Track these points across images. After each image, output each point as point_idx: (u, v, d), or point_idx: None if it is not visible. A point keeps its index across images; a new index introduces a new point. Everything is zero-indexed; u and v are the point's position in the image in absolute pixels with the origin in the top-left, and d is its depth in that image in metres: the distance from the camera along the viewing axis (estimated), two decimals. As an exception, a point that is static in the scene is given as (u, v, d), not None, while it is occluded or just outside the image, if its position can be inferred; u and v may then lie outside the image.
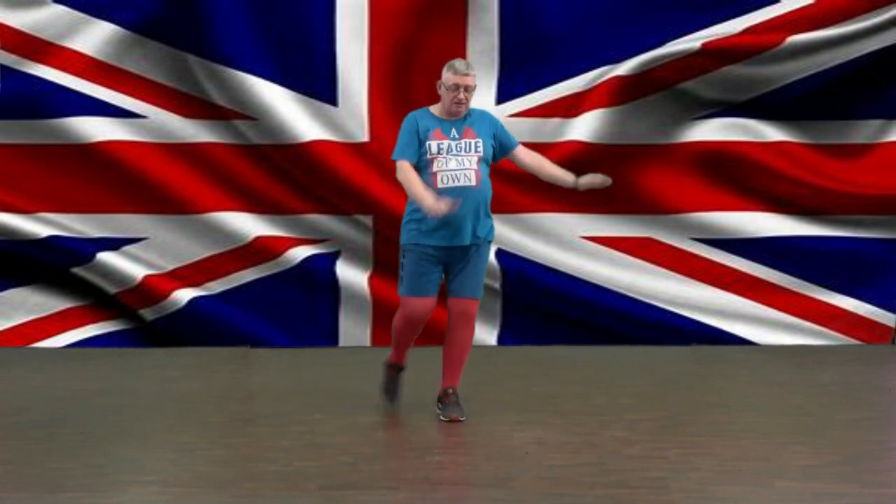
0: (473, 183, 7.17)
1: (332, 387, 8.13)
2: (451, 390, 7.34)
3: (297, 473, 5.94)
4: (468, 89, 7.18)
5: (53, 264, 9.56)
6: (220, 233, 9.60)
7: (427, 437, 6.68)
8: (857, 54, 9.50)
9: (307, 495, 5.60)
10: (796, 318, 9.66)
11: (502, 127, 7.40)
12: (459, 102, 7.18)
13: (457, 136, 7.21)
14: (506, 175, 9.60)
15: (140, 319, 9.61)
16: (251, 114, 9.52)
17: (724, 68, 9.49)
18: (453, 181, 7.14)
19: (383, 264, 9.60)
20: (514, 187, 9.50)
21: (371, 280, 9.63)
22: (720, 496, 5.59)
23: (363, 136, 9.59)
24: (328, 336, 9.64)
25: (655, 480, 5.79)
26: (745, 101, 9.59)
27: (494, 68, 9.56)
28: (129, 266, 9.56)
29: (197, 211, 9.59)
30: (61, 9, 9.44)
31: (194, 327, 9.59)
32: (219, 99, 9.52)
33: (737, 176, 9.65)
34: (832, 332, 9.66)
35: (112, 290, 9.57)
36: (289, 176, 9.59)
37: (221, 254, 9.61)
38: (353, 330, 9.66)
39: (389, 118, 9.58)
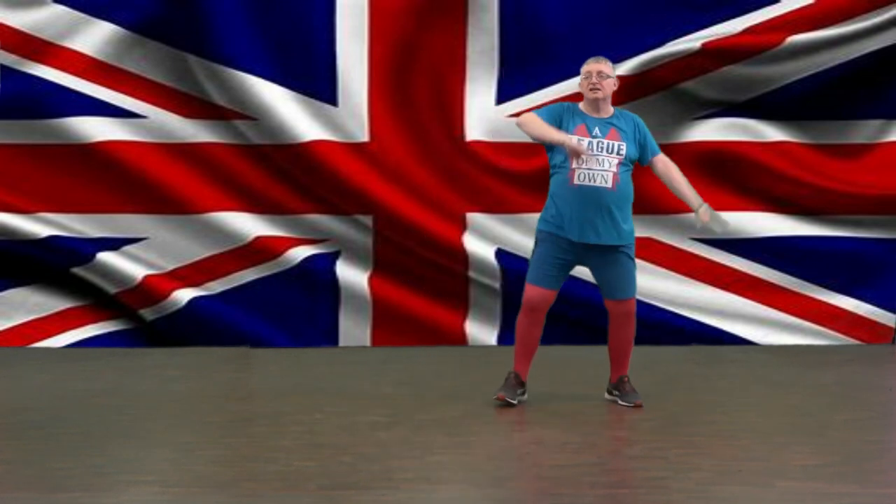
0: (609, 185, 7.19)
1: (332, 387, 8.13)
2: (625, 378, 7.56)
3: (297, 473, 5.94)
4: (601, 74, 7.25)
5: (53, 264, 9.56)
6: (220, 233, 9.60)
7: (427, 437, 6.68)
8: (857, 54, 9.50)
9: (307, 495, 5.59)
10: (796, 318, 9.66)
11: (647, 132, 7.40)
12: (594, 88, 7.25)
13: (599, 135, 7.24)
14: (506, 175, 9.62)
15: (140, 319, 9.61)
16: (251, 114, 9.52)
17: (724, 68, 9.49)
18: (590, 180, 7.19)
19: (383, 264, 9.61)
20: (514, 187, 9.51)
21: (371, 280, 9.62)
22: (720, 496, 5.58)
23: (363, 136, 9.59)
24: (328, 336, 9.64)
25: (655, 480, 5.79)
26: (745, 101, 9.60)
27: (494, 68, 9.56)
28: (129, 266, 9.56)
29: (197, 211, 9.59)
30: (61, 9, 9.44)
31: (194, 327, 9.59)
32: (219, 99, 9.52)
33: (737, 176, 9.65)
34: (832, 332, 9.66)
35: (112, 290, 9.57)
36: (289, 176, 9.59)
37: (221, 254, 9.61)
38: (353, 330, 9.65)
39: (389, 118, 9.59)
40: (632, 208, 7.36)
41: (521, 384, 7.47)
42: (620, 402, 7.52)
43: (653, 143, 7.43)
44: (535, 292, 7.36)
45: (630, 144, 7.28)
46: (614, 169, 7.21)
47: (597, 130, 7.25)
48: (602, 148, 7.22)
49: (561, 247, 7.30)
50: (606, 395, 7.69)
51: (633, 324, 7.48)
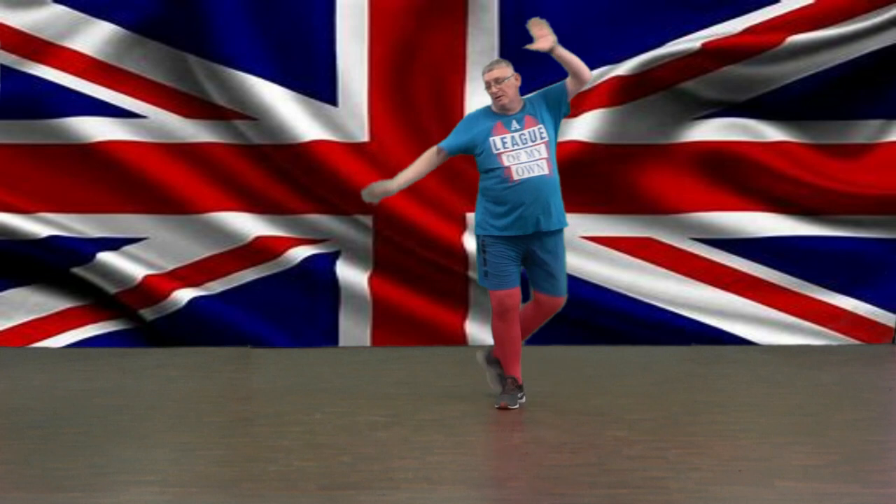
0: (546, 172, 7.32)
1: (332, 387, 8.13)
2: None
3: (297, 473, 5.94)
4: (499, 81, 7.38)
5: (53, 264, 9.56)
6: (220, 233, 9.60)
7: (427, 437, 6.68)
8: (857, 54, 9.50)
9: (307, 495, 5.60)
10: (796, 318, 9.66)
11: (547, 91, 7.49)
12: (496, 96, 7.40)
13: (518, 128, 7.34)
14: (506, 175, 9.61)
15: (140, 319, 9.61)
16: (251, 114, 9.52)
17: (724, 68, 9.49)
18: (528, 172, 7.29)
19: (383, 264, 9.61)
20: (514, 187, 9.50)
21: (371, 280, 9.63)
22: (720, 496, 5.59)
23: (363, 136, 9.60)
24: (328, 336, 9.64)
25: (655, 480, 5.79)
26: (745, 101, 9.59)
27: (494, 68, 9.55)
28: (129, 266, 9.56)
29: (197, 211, 9.59)
30: (61, 9, 9.44)
31: (194, 327, 9.59)
32: (219, 99, 9.52)
33: (737, 176, 9.65)
34: (832, 332, 9.65)
35: (112, 290, 9.57)
36: (289, 176, 9.59)
37: (221, 254, 9.61)
38: (353, 330, 9.65)
39: (389, 118, 9.59)
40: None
41: (520, 388, 7.47)
42: (492, 385, 7.63)
43: (553, 87, 7.48)
44: (503, 294, 7.38)
45: (548, 123, 7.38)
46: (545, 155, 7.33)
47: (515, 124, 7.37)
48: (525, 138, 7.32)
49: (510, 244, 7.36)
50: (478, 357, 7.74)
51: (547, 319, 7.64)
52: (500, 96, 7.37)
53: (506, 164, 7.30)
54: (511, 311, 7.38)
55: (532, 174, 7.27)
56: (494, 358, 7.64)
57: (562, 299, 7.53)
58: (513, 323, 7.40)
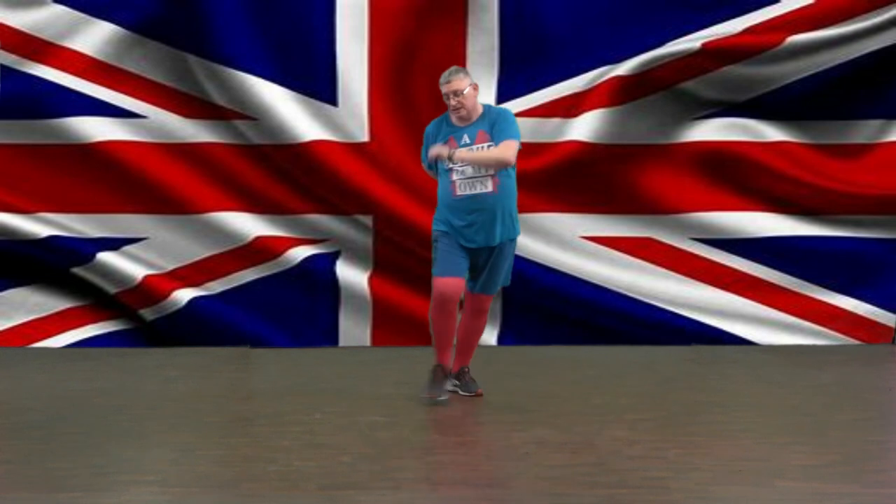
0: (490, 189, 7.31)
1: (332, 387, 8.13)
2: (466, 369, 7.68)
3: (297, 473, 5.94)
4: (456, 93, 7.34)
5: (53, 264, 9.56)
6: (220, 233, 9.60)
7: (427, 437, 6.68)
8: (857, 54, 9.50)
9: (307, 495, 5.60)
10: (796, 318, 9.66)
11: (499, 121, 7.39)
12: (454, 109, 7.38)
13: (469, 142, 7.33)
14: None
15: (140, 319, 9.61)
16: (251, 114, 9.53)
17: (724, 68, 9.50)
18: (470, 188, 7.32)
19: (383, 264, 9.61)
20: (514, 187, 9.51)
21: (371, 280, 9.63)
22: (720, 496, 5.59)
23: (363, 136, 9.60)
24: (328, 336, 9.64)
25: (655, 480, 5.79)
26: (745, 101, 9.60)
27: (494, 68, 9.56)
28: (129, 266, 9.56)
29: (197, 211, 9.59)
30: (61, 9, 9.44)
31: (194, 327, 9.59)
32: (219, 99, 9.52)
33: (737, 176, 9.66)
34: (832, 332, 9.66)
35: (112, 290, 9.57)
36: (289, 176, 9.59)
37: (221, 254, 9.62)
38: (353, 330, 9.66)
39: (389, 118, 9.59)
40: (516, 202, 7.45)
41: (447, 375, 7.52)
42: (461, 392, 7.65)
43: (502, 133, 7.31)
44: (444, 282, 7.36)
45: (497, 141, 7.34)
46: (492, 171, 7.28)
47: (466, 138, 7.38)
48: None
49: (461, 244, 7.40)
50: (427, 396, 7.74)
51: (484, 318, 7.65)
52: (458, 108, 7.35)
53: (453, 178, 7.35)
54: (449, 303, 7.34)
55: (474, 191, 7.31)
56: (454, 374, 7.72)
57: (487, 298, 7.60)
58: (450, 316, 7.39)
